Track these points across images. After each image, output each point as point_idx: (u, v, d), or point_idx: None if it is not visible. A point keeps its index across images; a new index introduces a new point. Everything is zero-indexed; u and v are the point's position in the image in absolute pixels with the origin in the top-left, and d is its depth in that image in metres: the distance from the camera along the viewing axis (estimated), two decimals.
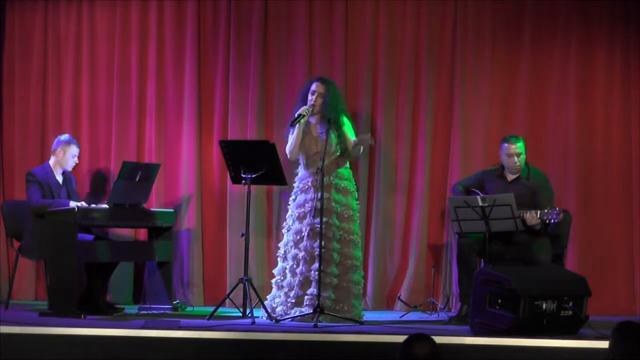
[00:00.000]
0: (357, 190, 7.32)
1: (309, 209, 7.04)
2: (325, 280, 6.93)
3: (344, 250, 7.07)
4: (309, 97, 7.20)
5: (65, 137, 7.90)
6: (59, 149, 7.80)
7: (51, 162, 7.82)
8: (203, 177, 8.52)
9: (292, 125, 7.15)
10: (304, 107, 7.18)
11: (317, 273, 6.87)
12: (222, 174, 8.30)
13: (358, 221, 7.23)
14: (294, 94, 8.30)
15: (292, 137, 7.19)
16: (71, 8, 8.69)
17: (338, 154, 7.17)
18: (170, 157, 8.53)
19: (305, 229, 7.04)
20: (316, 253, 6.93)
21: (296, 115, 7.15)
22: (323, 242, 6.91)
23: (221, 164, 8.12)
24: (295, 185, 7.24)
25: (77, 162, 7.90)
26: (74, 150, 7.81)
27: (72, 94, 8.66)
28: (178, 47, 8.55)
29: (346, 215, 7.12)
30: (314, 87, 7.22)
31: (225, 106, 8.49)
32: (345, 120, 7.19)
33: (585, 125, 8.20)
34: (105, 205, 7.51)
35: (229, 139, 8.25)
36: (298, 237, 7.09)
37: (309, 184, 7.13)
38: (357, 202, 7.26)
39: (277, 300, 7.11)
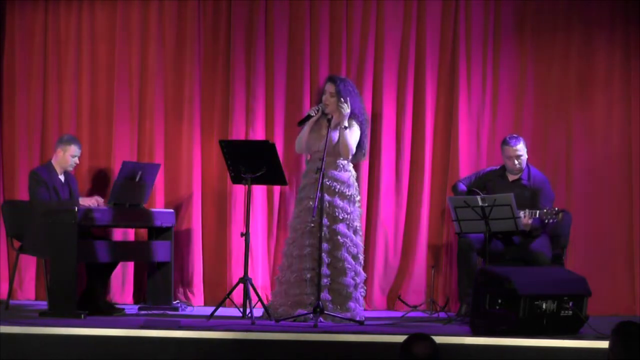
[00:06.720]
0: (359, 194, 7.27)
1: (306, 207, 7.04)
2: (321, 281, 6.92)
3: (334, 252, 7.03)
4: (323, 96, 7.21)
5: (66, 136, 7.90)
6: (59, 149, 7.79)
7: (53, 161, 7.82)
8: (203, 177, 8.52)
9: (299, 124, 7.17)
10: (314, 107, 7.18)
11: (308, 273, 6.88)
12: (222, 174, 8.30)
13: (353, 225, 7.13)
14: (295, 94, 8.32)
15: (302, 132, 7.20)
16: (71, 8, 8.67)
17: (339, 156, 7.15)
18: (170, 157, 8.52)
19: (301, 228, 7.05)
20: (306, 252, 6.94)
21: (305, 115, 7.16)
22: (315, 242, 6.92)
23: (221, 164, 8.11)
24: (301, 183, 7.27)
25: (78, 162, 7.89)
26: (73, 150, 7.78)
27: (72, 94, 8.64)
28: (179, 46, 8.54)
29: (340, 217, 7.05)
30: (325, 86, 7.23)
31: (226, 106, 8.48)
32: (353, 122, 7.13)
33: (585, 125, 8.20)
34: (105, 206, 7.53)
35: (229, 138, 8.25)
36: (295, 235, 7.09)
37: (308, 182, 7.13)
38: (359, 207, 7.19)
39: (278, 297, 7.11)
